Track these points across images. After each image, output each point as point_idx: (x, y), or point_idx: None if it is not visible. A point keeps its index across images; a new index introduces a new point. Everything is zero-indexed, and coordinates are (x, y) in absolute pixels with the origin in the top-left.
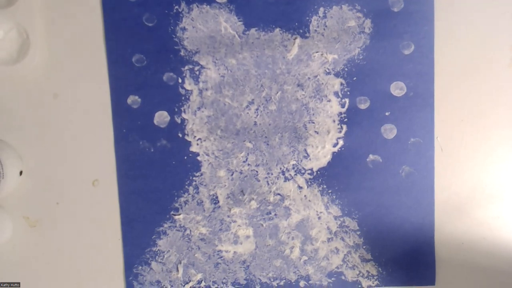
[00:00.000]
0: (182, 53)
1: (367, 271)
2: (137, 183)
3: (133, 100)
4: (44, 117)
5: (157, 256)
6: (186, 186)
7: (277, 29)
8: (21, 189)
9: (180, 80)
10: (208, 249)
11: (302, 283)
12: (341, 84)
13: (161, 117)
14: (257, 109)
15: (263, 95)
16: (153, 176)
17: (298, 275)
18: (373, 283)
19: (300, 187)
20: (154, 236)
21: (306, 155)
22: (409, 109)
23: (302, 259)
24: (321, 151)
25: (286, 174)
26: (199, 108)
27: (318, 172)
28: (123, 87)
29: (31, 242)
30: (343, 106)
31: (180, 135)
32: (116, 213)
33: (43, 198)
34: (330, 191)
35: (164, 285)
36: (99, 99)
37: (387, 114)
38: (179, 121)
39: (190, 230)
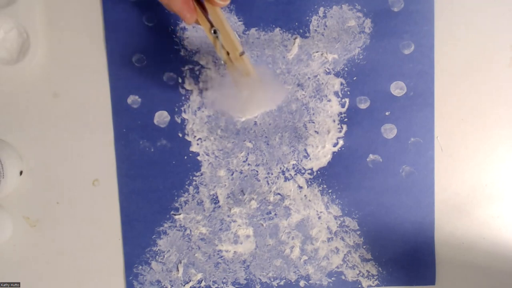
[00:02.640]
0: (182, 53)
1: (367, 270)
2: (137, 183)
3: (133, 100)
4: (44, 117)
5: (157, 256)
6: (186, 186)
7: (277, 29)
8: (21, 189)
9: (180, 80)
10: (208, 248)
11: (302, 283)
12: (341, 84)
13: (161, 117)
14: None
15: None
16: (153, 176)
17: (298, 275)
18: (373, 283)
19: (300, 187)
20: (154, 236)
21: (306, 154)
22: (409, 108)
23: (302, 259)
24: (321, 150)
25: (286, 174)
26: (199, 108)
27: (318, 172)
28: (123, 87)
29: (31, 242)
30: (343, 106)
31: (180, 135)
32: (116, 213)
33: (43, 198)
34: (330, 190)
35: (164, 285)
36: (99, 99)
37: (387, 114)
38: (179, 121)
39: (190, 230)
